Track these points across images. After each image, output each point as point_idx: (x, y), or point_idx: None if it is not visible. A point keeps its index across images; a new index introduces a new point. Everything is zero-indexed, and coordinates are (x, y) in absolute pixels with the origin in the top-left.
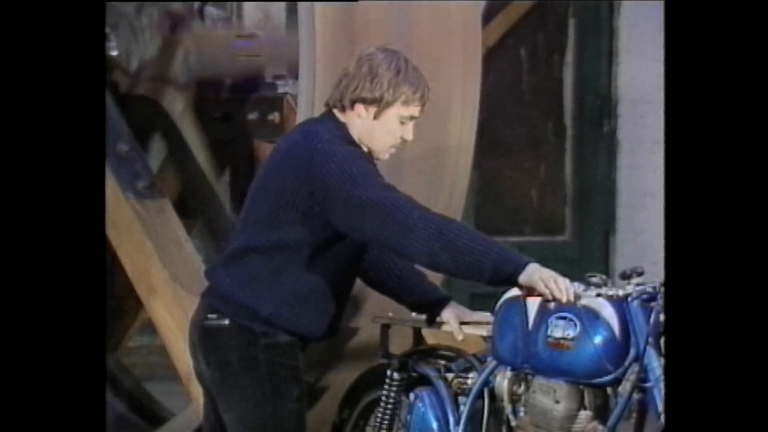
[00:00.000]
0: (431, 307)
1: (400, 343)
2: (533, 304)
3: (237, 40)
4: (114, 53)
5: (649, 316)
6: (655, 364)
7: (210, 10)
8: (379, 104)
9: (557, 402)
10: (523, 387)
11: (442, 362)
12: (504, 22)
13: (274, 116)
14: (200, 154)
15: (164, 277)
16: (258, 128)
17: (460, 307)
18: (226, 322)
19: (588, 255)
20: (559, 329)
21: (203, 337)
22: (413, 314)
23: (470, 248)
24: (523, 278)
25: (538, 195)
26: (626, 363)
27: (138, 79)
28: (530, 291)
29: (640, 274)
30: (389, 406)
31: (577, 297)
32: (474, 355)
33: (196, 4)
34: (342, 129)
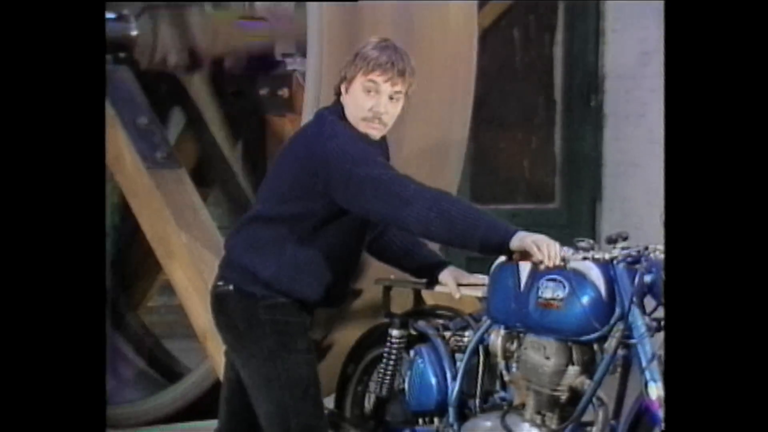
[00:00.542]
0: (431, 270)
1: (401, 303)
2: (525, 267)
3: (247, 21)
4: (134, 33)
5: (634, 278)
6: (639, 322)
7: None
8: (346, 80)
9: (547, 358)
10: (515, 344)
11: (441, 321)
12: (498, 5)
13: (284, 92)
14: (215, 127)
15: (181, 241)
16: (268, 103)
17: (458, 270)
18: (231, 287)
19: (576, 221)
20: (549, 290)
21: (214, 303)
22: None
23: (463, 217)
24: (515, 242)
25: (529, 165)
26: (612, 321)
27: (155, 56)
28: (522, 255)
29: (625, 239)
30: (391, 363)
31: (566, 260)
32: (470, 315)
33: None
34: (340, 111)
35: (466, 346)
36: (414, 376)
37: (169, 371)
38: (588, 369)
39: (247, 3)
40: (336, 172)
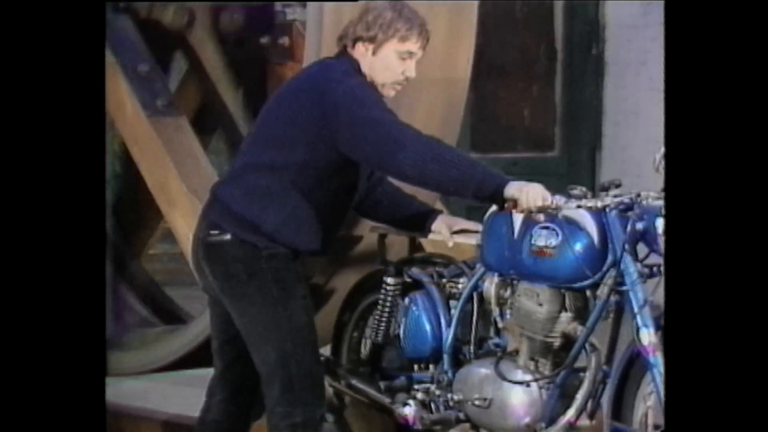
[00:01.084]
0: (423, 219)
1: (396, 251)
2: (518, 215)
3: None
4: None
5: (626, 225)
6: (631, 269)
7: None
8: (374, 41)
9: (540, 305)
10: (509, 291)
11: (435, 269)
12: None
13: (284, 40)
14: (216, 76)
15: (182, 189)
16: (269, 51)
17: (451, 218)
18: (228, 236)
19: (576, 170)
20: (542, 238)
21: (208, 252)
22: None
23: (457, 164)
24: (509, 191)
25: (530, 114)
26: (604, 268)
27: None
28: (515, 204)
29: (618, 186)
30: (386, 309)
31: (558, 209)
32: (464, 262)
33: None
34: (354, 64)
35: (461, 293)
36: (409, 323)
37: (171, 317)
38: (581, 315)
39: None
40: (344, 114)
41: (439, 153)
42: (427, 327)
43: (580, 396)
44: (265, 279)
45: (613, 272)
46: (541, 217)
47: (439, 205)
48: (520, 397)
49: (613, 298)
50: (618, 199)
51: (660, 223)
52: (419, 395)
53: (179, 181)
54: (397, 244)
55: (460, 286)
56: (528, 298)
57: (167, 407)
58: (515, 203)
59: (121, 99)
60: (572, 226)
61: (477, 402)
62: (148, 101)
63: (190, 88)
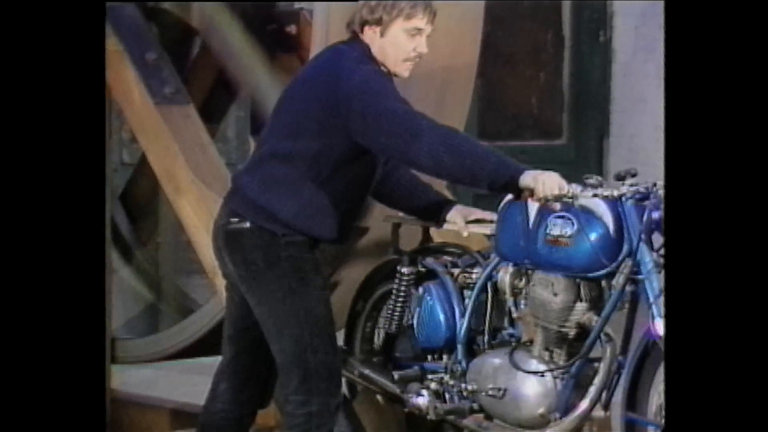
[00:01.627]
0: (438, 209)
1: (409, 241)
2: (533, 204)
3: None
4: None
5: (642, 214)
6: (647, 258)
7: None
8: (381, 23)
9: (555, 295)
10: (523, 281)
11: (449, 258)
12: None
13: (291, 28)
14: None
15: (190, 178)
16: (277, 39)
17: (466, 208)
18: (247, 224)
19: (584, 157)
20: (557, 227)
21: (227, 240)
22: None
23: (472, 154)
24: (524, 180)
25: (537, 102)
26: (620, 258)
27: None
28: (531, 192)
29: (634, 175)
30: (400, 299)
31: (575, 197)
32: (478, 252)
33: None
34: (366, 49)
35: (475, 283)
36: (423, 312)
37: (178, 307)
38: (596, 305)
39: None
40: (357, 104)
41: (454, 144)
42: (441, 317)
43: (594, 386)
44: (283, 267)
45: (628, 262)
46: (558, 206)
47: (446, 193)
48: (534, 387)
49: (628, 288)
50: (634, 189)
51: None
52: (432, 385)
53: (186, 169)
54: (408, 234)
55: (474, 275)
56: (543, 287)
57: (175, 395)
58: (531, 192)
59: (129, 87)
60: (588, 216)
61: (491, 392)
62: (156, 89)
63: (199, 73)
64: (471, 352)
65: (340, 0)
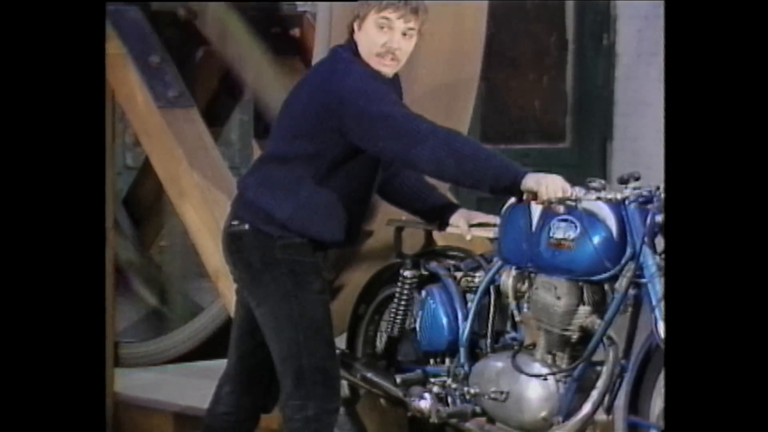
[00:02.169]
0: (442, 213)
1: (412, 244)
2: (536, 207)
3: None
4: None
5: (645, 218)
6: (650, 261)
7: None
8: (359, 17)
9: (558, 298)
10: (526, 284)
11: (452, 262)
12: None
13: (295, 31)
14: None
15: (193, 181)
16: (280, 42)
17: (469, 212)
18: (246, 227)
19: (587, 161)
20: (560, 231)
21: (230, 242)
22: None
23: (474, 157)
24: (526, 183)
25: (540, 105)
26: (623, 261)
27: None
28: (533, 196)
29: (637, 179)
30: (402, 303)
31: (578, 200)
32: (481, 255)
33: None
34: (354, 48)
35: (477, 287)
36: (425, 316)
37: (181, 310)
38: (599, 309)
39: None
40: (350, 108)
41: (455, 147)
42: (444, 320)
43: (597, 390)
44: (280, 270)
45: (631, 265)
46: (561, 208)
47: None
48: (537, 390)
49: (631, 292)
50: (637, 192)
51: None
52: (435, 388)
53: (190, 173)
54: (411, 238)
55: (477, 279)
56: (546, 291)
57: (179, 399)
58: (534, 195)
59: (132, 90)
60: (591, 219)
61: (493, 395)
62: (159, 92)
63: (203, 77)
64: (474, 356)
65: (343, 0)
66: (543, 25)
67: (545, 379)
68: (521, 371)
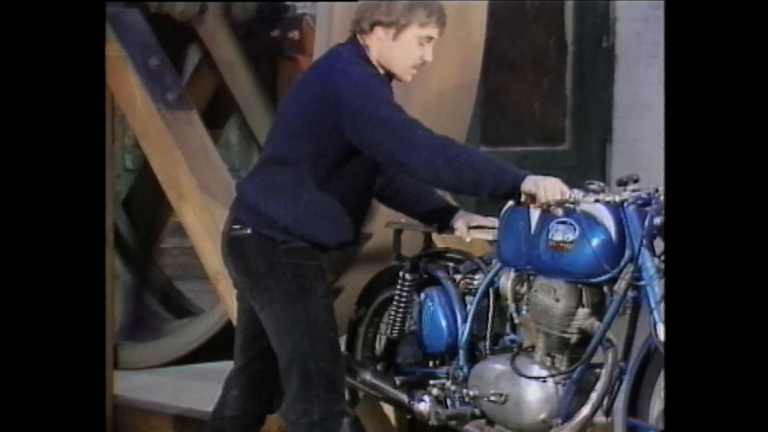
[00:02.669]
0: (441, 216)
1: (411, 247)
2: (535, 210)
3: None
4: None
5: (644, 220)
6: (649, 264)
7: None
8: (396, 26)
9: (557, 300)
10: (525, 287)
11: (451, 264)
12: None
13: (294, 34)
14: (226, 69)
15: (193, 183)
16: (279, 45)
17: (468, 214)
18: (248, 231)
19: (586, 163)
20: (559, 233)
21: (231, 247)
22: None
23: (471, 164)
24: (526, 186)
25: (540, 107)
26: (622, 263)
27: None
28: (532, 198)
29: (636, 181)
30: (401, 305)
31: (576, 203)
32: (480, 258)
33: None
34: (362, 51)
35: (477, 289)
36: (424, 318)
37: (181, 311)
38: (598, 311)
39: None
40: (347, 107)
41: (451, 155)
42: (443, 323)
43: (596, 392)
44: (283, 274)
45: (630, 267)
46: (560, 211)
47: (449, 199)
48: (536, 392)
49: (630, 294)
50: (636, 194)
51: None
52: (434, 391)
53: (189, 175)
54: (410, 240)
55: (476, 281)
56: (545, 293)
57: (178, 401)
58: (533, 198)
59: (132, 93)
60: (590, 221)
61: (493, 398)
62: (159, 95)
63: (201, 80)
64: (473, 358)
65: (343, 0)
66: (542, 28)
67: (544, 382)
68: (520, 373)
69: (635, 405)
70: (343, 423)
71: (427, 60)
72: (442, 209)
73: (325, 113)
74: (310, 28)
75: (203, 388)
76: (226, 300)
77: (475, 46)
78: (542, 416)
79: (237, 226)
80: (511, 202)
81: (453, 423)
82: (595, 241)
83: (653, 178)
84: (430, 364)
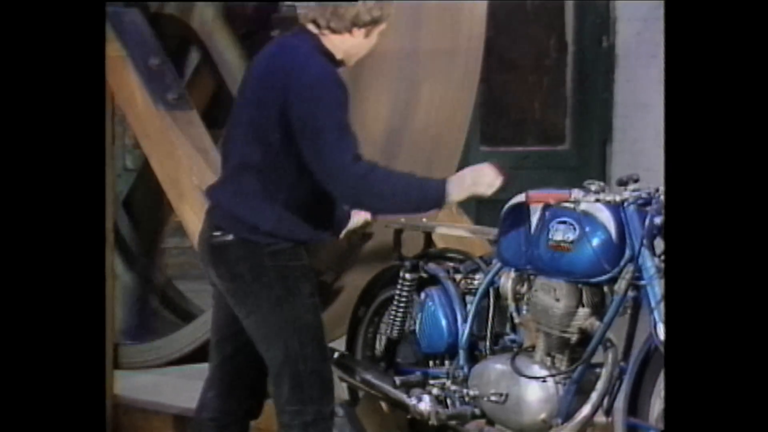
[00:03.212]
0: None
1: (408, 246)
2: (536, 210)
3: None
4: None
5: (644, 220)
6: (649, 264)
7: None
8: (373, 24)
9: (557, 300)
10: (525, 286)
11: (451, 264)
12: None
13: None
14: (225, 69)
15: (193, 183)
16: None
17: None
18: (231, 237)
19: (587, 163)
20: (559, 233)
21: (212, 253)
22: (424, 219)
23: (394, 190)
24: (453, 195)
25: (540, 107)
26: (622, 263)
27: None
28: (533, 198)
29: (636, 181)
30: (402, 305)
31: (577, 202)
32: (480, 257)
33: None
34: (316, 41)
35: (477, 289)
36: (425, 318)
37: (181, 311)
38: (598, 311)
39: None
40: (304, 106)
41: (373, 184)
42: (443, 322)
43: (596, 392)
44: (269, 278)
45: (630, 267)
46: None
47: None
48: (536, 392)
49: (630, 294)
50: (636, 194)
51: None
52: (434, 391)
53: (189, 175)
54: (409, 240)
55: (476, 281)
56: (545, 293)
57: (178, 401)
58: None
59: (132, 93)
60: (590, 220)
61: (493, 397)
62: (159, 95)
63: (201, 80)
64: (473, 358)
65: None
66: (542, 27)
67: (544, 381)
68: (520, 373)
69: (635, 405)
70: (333, 423)
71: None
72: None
73: (283, 110)
74: None
75: None
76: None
77: (475, 46)
78: (542, 416)
79: (217, 233)
80: (512, 201)
81: (453, 423)
82: (595, 241)
83: (653, 177)
84: (431, 363)
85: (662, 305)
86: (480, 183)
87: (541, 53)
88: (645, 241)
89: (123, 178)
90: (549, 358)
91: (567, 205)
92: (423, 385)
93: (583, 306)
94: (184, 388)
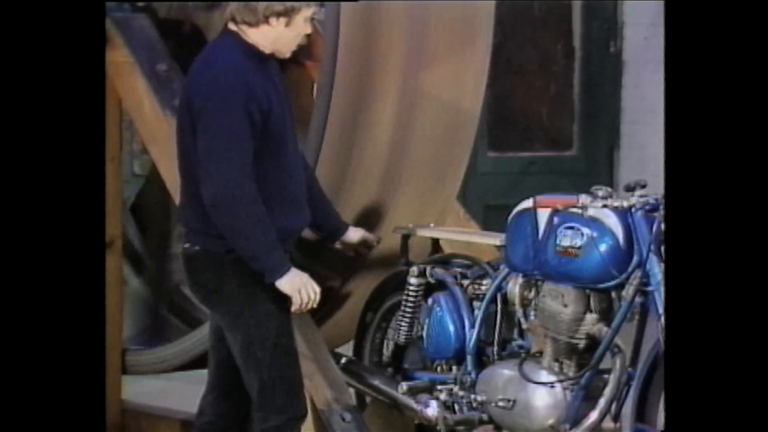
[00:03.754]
0: (332, 230)
1: (415, 252)
2: (543, 215)
3: None
4: None
5: (652, 225)
6: (657, 269)
7: None
8: (290, 13)
9: (565, 306)
10: (533, 292)
11: (459, 269)
12: None
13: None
14: None
15: None
16: None
17: (360, 229)
18: (197, 248)
19: (594, 168)
20: (567, 239)
21: (184, 264)
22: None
23: (247, 235)
24: (284, 285)
25: (547, 113)
26: (629, 269)
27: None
28: (540, 203)
29: (644, 187)
30: (409, 310)
31: (584, 208)
32: (488, 263)
33: None
34: (238, 38)
35: (484, 294)
36: (432, 323)
37: (188, 317)
38: (605, 316)
39: None
40: (201, 113)
41: (233, 217)
42: (451, 328)
43: (604, 398)
44: (230, 286)
45: (638, 273)
46: None
47: (456, 205)
48: (544, 398)
49: (638, 299)
50: (644, 200)
51: None
52: (442, 396)
53: None
54: (417, 246)
55: (483, 286)
56: (553, 298)
57: (186, 406)
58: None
59: (140, 98)
60: (598, 226)
61: (500, 403)
62: (167, 101)
63: None
64: (480, 363)
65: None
66: (550, 33)
67: (552, 387)
68: (528, 379)
69: (643, 411)
70: (300, 427)
71: (308, 32)
72: (332, 224)
73: (192, 116)
74: (318, 32)
75: None
76: None
77: (481, 52)
78: (550, 422)
79: (187, 245)
80: (519, 207)
81: (461, 428)
82: (603, 247)
83: (661, 183)
84: (438, 369)
85: None
86: (304, 292)
87: (549, 59)
88: (653, 247)
89: (131, 184)
90: (557, 364)
91: (575, 210)
92: (430, 390)
93: (590, 312)
94: (190, 394)
